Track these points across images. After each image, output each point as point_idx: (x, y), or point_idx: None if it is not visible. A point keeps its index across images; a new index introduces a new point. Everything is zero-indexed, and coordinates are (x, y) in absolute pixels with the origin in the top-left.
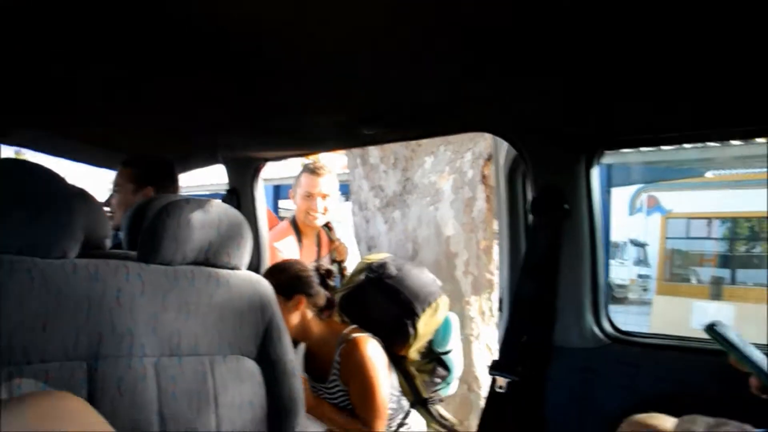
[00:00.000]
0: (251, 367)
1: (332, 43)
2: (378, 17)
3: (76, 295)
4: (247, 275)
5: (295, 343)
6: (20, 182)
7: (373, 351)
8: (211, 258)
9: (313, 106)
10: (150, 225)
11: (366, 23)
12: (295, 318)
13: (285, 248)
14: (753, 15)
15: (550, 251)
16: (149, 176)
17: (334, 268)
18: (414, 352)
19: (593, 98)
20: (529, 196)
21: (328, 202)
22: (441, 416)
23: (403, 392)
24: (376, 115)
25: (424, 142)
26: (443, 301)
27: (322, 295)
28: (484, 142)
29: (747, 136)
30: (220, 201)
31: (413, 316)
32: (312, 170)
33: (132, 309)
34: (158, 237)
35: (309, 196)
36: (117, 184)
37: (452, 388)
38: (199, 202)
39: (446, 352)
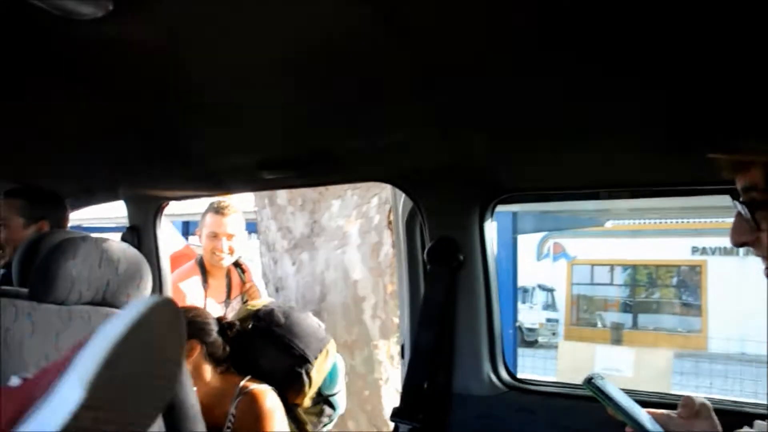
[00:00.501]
0: None
1: (236, 88)
2: (278, 67)
3: None
4: None
5: None
6: None
7: (272, 404)
8: (109, 298)
9: (215, 148)
10: (43, 262)
11: (268, 74)
12: (186, 366)
13: (189, 289)
14: (626, 80)
15: (447, 300)
16: (42, 209)
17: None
18: (308, 400)
19: (485, 151)
20: (428, 244)
21: (234, 242)
22: None
23: None
24: (276, 160)
25: (332, 185)
26: (332, 345)
27: (219, 344)
28: (390, 188)
29: (635, 195)
30: (119, 240)
31: (307, 364)
32: (216, 210)
33: (21, 351)
34: (51, 275)
35: (214, 236)
36: (2, 218)
37: (333, 423)
38: (96, 239)
39: (334, 394)
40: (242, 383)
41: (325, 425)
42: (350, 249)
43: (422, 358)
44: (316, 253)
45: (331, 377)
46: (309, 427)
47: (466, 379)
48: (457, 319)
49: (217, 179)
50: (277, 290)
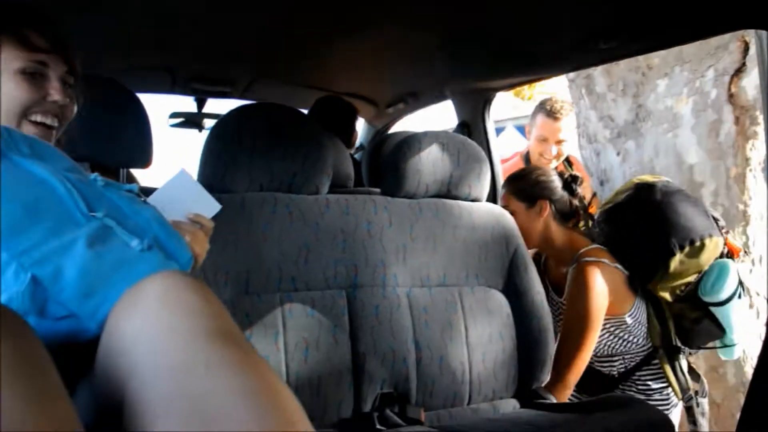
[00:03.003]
0: (499, 298)
1: None
2: None
3: (331, 229)
4: (488, 207)
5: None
6: (275, 123)
7: (597, 281)
8: (453, 190)
9: (547, 24)
10: (391, 159)
11: None
12: (538, 225)
13: None
14: None
15: None
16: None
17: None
18: (665, 292)
19: None
20: None
21: (563, 146)
22: (682, 371)
23: (650, 334)
24: (617, 25)
25: (656, 64)
26: (713, 244)
27: (566, 200)
28: (728, 56)
29: None
30: (455, 134)
31: (667, 250)
32: (549, 113)
33: (382, 241)
34: (400, 170)
35: (544, 140)
36: None
37: (733, 352)
38: (436, 135)
39: (717, 304)
40: (582, 250)
41: (716, 347)
42: (683, 131)
43: None
44: (642, 140)
45: (714, 281)
46: (671, 324)
47: None
48: None
49: (546, 60)
50: (601, 183)
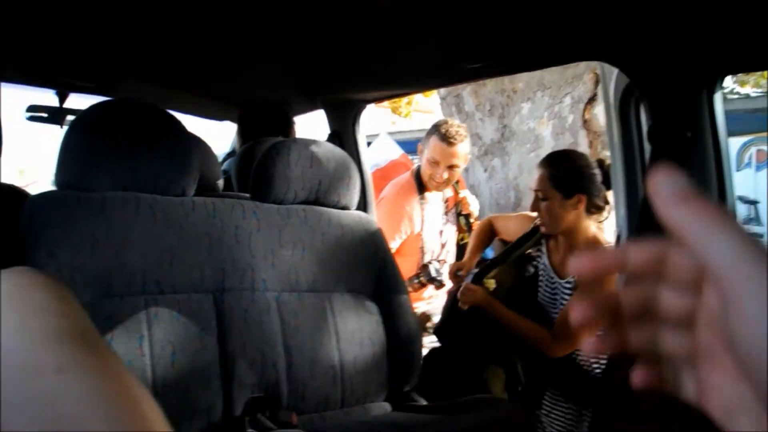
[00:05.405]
0: (368, 304)
1: None
2: None
3: (196, 232)
4: (357, 215)
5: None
6: (139, 121)
7: None
8: (321, 197)
9: (415, 41)
10: (260, 165)
11: None
12: (570, 216)
13: (414, 212)
14: None
15: None
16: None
17: (462, 221)
18: None
19: (714, 17)
20: (644, 127)
21: (454, 171)
22: None
23: None
24: (481, 47)
25: (520, 88)
26: None
27: (602, 195)
28: (583, 85)
29: None
30: (325, 142)
31: None
32: (443, 137)
33: (250, 245)
34: (269, 176)
35: (435, 163)
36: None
37: None
38: (306, 141)
39: None
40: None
41: None
42: (544, 152)
43: None
44: (507, 158)
45: None
46: None
47: None
48: None
49: (415, 76)
50: None
